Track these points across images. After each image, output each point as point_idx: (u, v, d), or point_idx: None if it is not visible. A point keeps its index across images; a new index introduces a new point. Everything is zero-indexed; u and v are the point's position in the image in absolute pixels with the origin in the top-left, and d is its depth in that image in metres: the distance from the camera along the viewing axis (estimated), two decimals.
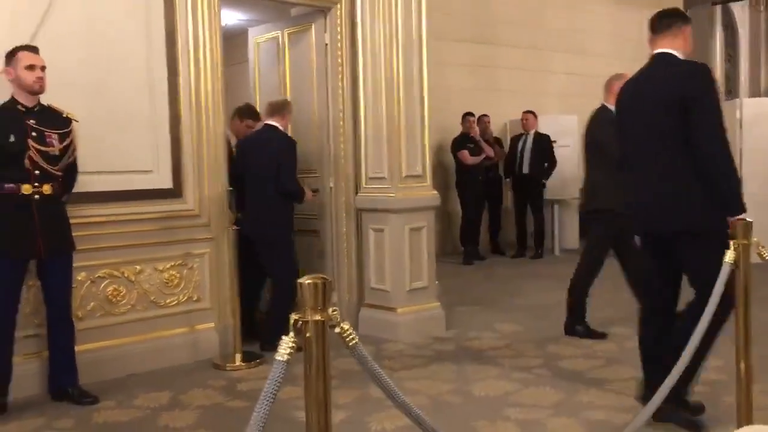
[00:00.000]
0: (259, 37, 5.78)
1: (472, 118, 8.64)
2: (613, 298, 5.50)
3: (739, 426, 2.72)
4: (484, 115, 9.04)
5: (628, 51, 11.45)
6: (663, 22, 3.32)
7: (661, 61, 3.18)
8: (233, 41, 5.84)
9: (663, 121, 2.99)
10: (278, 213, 4.72)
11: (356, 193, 5.18)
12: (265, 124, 4.86)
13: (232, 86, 6.07)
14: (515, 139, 8.95)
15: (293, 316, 1.49)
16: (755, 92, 13.96)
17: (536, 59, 10.27)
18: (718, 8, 12.25)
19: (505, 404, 3.61)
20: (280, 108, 4.83)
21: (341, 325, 1.53)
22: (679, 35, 3.24)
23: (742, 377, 2.73)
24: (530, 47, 10.17)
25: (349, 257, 5.23)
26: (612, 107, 4.29)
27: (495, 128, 9.46)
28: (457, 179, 8.65)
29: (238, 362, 4.41)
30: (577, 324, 4.90)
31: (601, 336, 4.85)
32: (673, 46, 3.21)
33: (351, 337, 1.54)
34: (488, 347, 4.71)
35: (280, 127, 4.81)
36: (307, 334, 1.46)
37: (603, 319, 5.20)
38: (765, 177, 7.75)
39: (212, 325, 4.62)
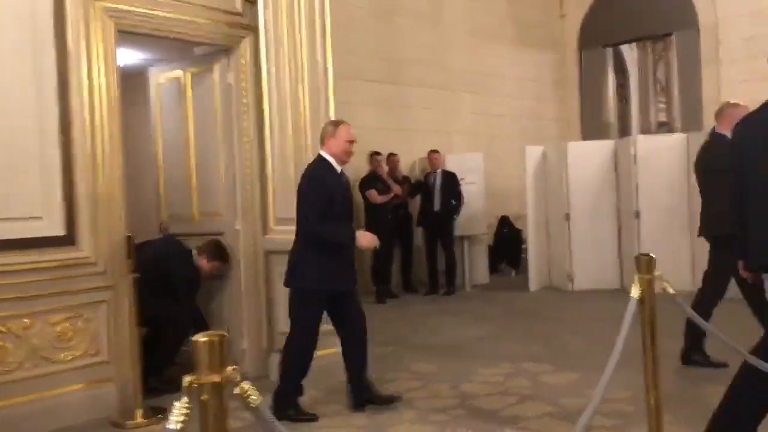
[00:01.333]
0: (160, 77, 5.60)
1: (379, 157, 8.67)
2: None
3: None
4: (392, 154, 9.10)
5: (530, 90, 11.92)
6: None
7: None
8: (133, 81, 5.62)
9: None
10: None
11: (264, 234, 5.03)
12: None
13: (134, 127, 5.84)
14: (427, 177, 9.05)
15: (186, 378, 1.36)
16: (646, 129, 14.74)
17: (443, 99, 10.48)
18: (610, 50, 12.91)
19: None
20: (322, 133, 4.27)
21: (241, 385, 1.41)
22: None
23: (652, 409, 2.75)
24: (438, 87, 10.38)
25: (258, 301, 5.05)
26: (727, 134, 4.46)
27: (404, 167, 9.53)
28: (367, 218, 8.61)
29: (138, 419, 4.14)
30: (694, 354, 4.75)
31: (723, 365, 4.53)
32: None
33: (252, 398, 1.42)
34: (403, 389, 4.62)
35: (325, 156, 4.19)
36: (203, 397, 1.33)
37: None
38: (660, 210, 8.11)
39: (111, 379, 4.33)
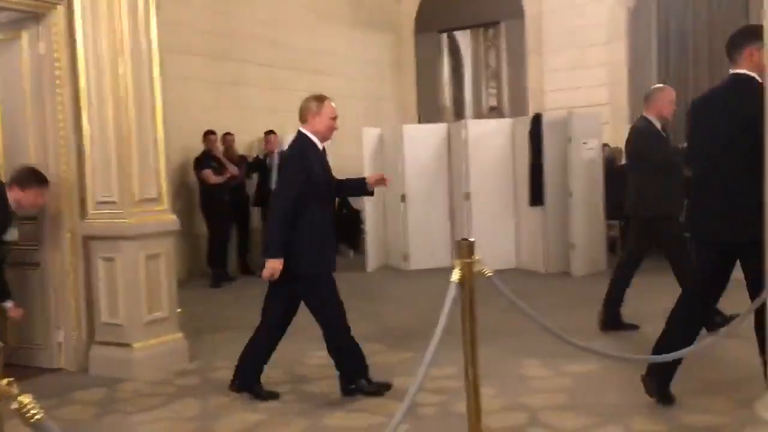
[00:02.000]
0: None
1: (213, 137, 8.38)
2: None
3: (472, 428, 2.84)
4: (228, 133, 8.83)
5: (364, 71, 12.00)
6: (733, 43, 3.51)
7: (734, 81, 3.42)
8: None
9: (737, 137, 3.26)
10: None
11: (82, 219, 4.67)
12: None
13: None
14: (261, 159, 8.87)
15: None
16: (479, 113, 15.41)
17: (281, 78, 10.28)
18: (445, 36, 13.31)
19: None
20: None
21: (19, 399, 1.25)
22: (748, 57, 3.39)
23: (471, 384, 2.85)
24: (275, 66, 10.16)
25: (76, 291, 4.70)
26: (654, 119, 5.00)
27: (242, 146, 9.28)
28: (202, 199, 8.31)
29: None
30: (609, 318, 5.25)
31: (634, 327, 5.26)
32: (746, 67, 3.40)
33: (32, 412, 1.27)
34: (229, 377, 4.50)
35: (306, 134, 4.11)
36: None
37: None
38: (488, 192, 8.51)
39: None
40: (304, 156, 4.00)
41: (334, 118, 4.14)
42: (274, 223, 3.96)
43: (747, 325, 3.30)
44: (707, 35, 10.43)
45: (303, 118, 4.11)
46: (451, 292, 2.52)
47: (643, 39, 10.87)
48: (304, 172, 3.93)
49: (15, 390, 1.23)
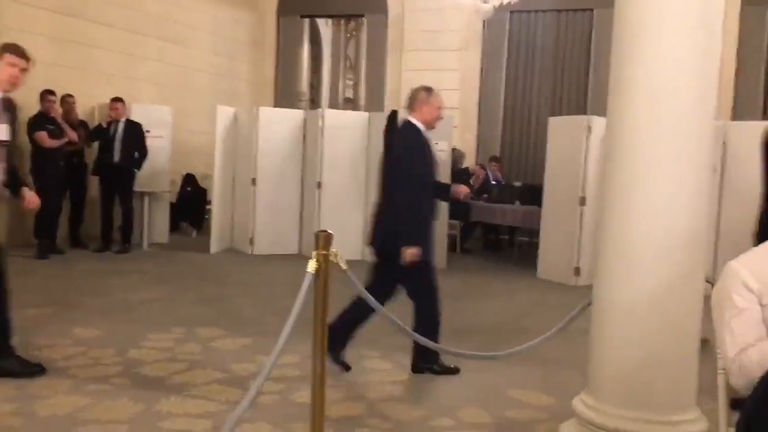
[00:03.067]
0: None
1: (52, 98, 7.78)
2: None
3: (314, 418, 2.86)
4: (69, 95, 8.23)
5: (222, 47, 11.65)
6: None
7: None
8: None
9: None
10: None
11: None
12: None
13: None
14: (108, 126, 8.36)
15: None
16: (334, 102, 15.48)
17: (131, 42, 9.73)
18: (307, 21, 13.21)
19: (75, 423, 3.24)
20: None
21: None
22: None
23: (317, 374, 2.87)
24: (125, 29, 9.60)
25: None
26: (419, 125, 4.17)
27: (82, 111, 8.68)
28: (34, 163, 7.69)
29: None
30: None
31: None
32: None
33: None
34: (60, 356, 4.22)
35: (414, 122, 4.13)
36: None
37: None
38: (340, 182, 8.57)
39: None
40: (421, 145, 4.08)
41: (441, 109, 4.22)
42: (405, 212, 3.98)
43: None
44: (553, 51, 11.17)
45: (411, 107, 4.16)
46: (307, 283, 2.52)
47: (495, 49, 11.42)
48: (424, 161, 4.06)
49: None
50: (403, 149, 4.11)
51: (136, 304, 5.78)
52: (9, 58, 3.82)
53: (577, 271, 7.64)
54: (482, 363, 4.40)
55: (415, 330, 4.03)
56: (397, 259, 3.99)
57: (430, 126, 4.19)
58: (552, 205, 7.99)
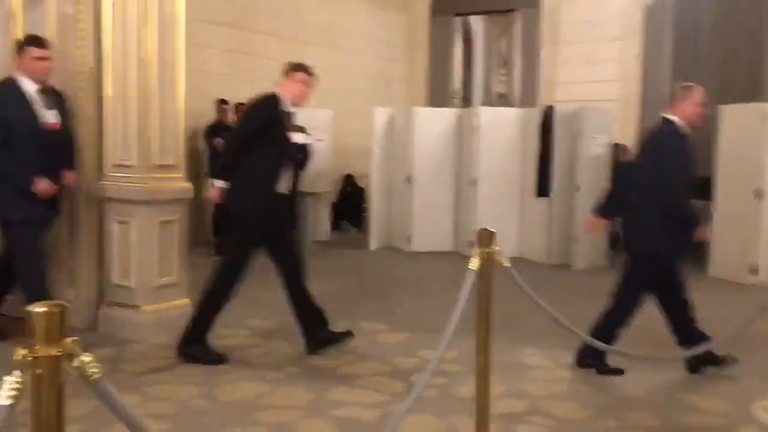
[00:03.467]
0: None
1: (226, 106, 8.40)
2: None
3: (480, 412, 2.93)
4: (241, 104, 8.81)
5: (381, 50, 11.99)
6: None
7: None
8: None
9: None
10: None
11: (99, 180, 4.71)
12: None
13: None
14: None
15: (20, 351, 1.25)
16: (487, 99, 15.40)
17: (294, 51, 10.26)
18: (459, 19, 13.26)
19: (255, 407, 3.53)
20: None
21: (81, 357, 1.32)
22: None
23: (481, 369, 2.94)
24: (289, 38, 10.15)
25: (89, 251, 4.76)
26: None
27: None
28: (212, 168, 8.34)
29: None
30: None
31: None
32: None
33: (93, 371, 1.33)
34: (239, 345, 4.59)
35: (673, 120, 4.09)
36: (38, 371, 1.23)
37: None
38: (495, 179, 8.55)
39: None
40: (686, 147, 4.02)
41: (701, 105, 4.02)
42: (686, 213, 4.02)
43: None
44: (722, 35, 10.44)
45: (670, 104, 4.08)
46: (469, 280, 2.59)
47: (658, 36, 10.86)
48: (688, 164, 4.03)
49: (77, 349, 1.29)
50: (663, 148, 4.03)
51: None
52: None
53: (754, 269, 7.12)
54: (652, 365, 4.24)
55: (599, 326, 4.01)
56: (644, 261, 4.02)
57: (691, 123, 4.02)
58: (725, 199, 7.50)
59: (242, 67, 9.47)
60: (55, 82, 4.70)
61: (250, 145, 4.13)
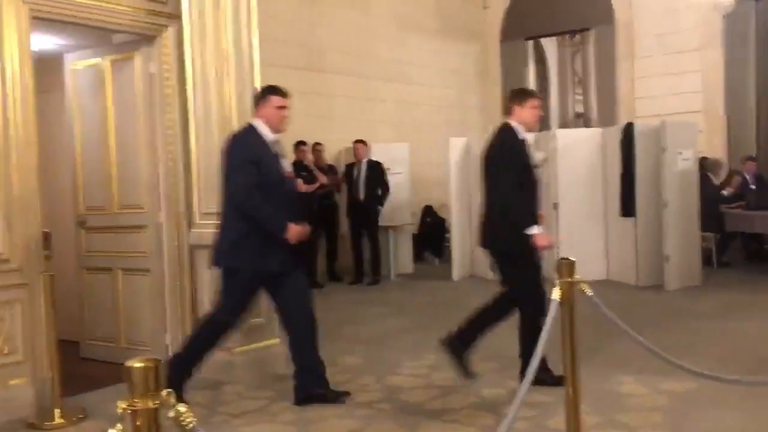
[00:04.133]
0: (77, 64, 5.38)
1: (304, 147, 8.64)
2: None
3: None
4: (318, 143, 9.08)
5: (449, 80, 12.07)
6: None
7: None
8: (46, 66, 5.38)
9: None
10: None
11: (189, 229, 4.93)
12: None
13: (47, 115, 5.60)
14: (349, 167, 9.06)
15: (121, 405, 1.34)
16: (564, 120, 15.18)
17: (367, 88, 10.49)
18: (530, 43, 13.21)
19: None
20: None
21: (177, 408, 1.40)
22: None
23: (570, 400, 2.88)
24: (360, 76, 10.38)
25: (182, 296, 4.97)
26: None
27: (330, 155, 9.52)
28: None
29: (57, 419, 4.02)
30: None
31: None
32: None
33: (188, 420, 1.41)
34: (331, 383, 4.64)
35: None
36: (138, 423, 1.32)
37: None
38: (578, 200, 8.39)
39: (26, 379, 4.18)
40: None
41: None
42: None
43: None
44: None
45: None
46: (552, 311, 2.56)
47: (740, 45, 10.48)
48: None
49: (173, 400, 1.37)
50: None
51: (390, 332, 6.16)
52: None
53: None
54: (755, 391, 4.03)
55: None
56: None
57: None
58: None
59: (317, 107, 9.73)
60: (145, 137, 4.99)
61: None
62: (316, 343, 4.30)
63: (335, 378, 4.75)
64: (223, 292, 4.16)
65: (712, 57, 10.62)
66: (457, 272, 9.03)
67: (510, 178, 4.24)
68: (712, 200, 8.79)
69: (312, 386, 4.21)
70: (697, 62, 10.67)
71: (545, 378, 4.00)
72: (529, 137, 4.56)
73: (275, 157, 4.17)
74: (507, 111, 4.58)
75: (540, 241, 4.25)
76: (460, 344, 4.45)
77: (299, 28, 9.56)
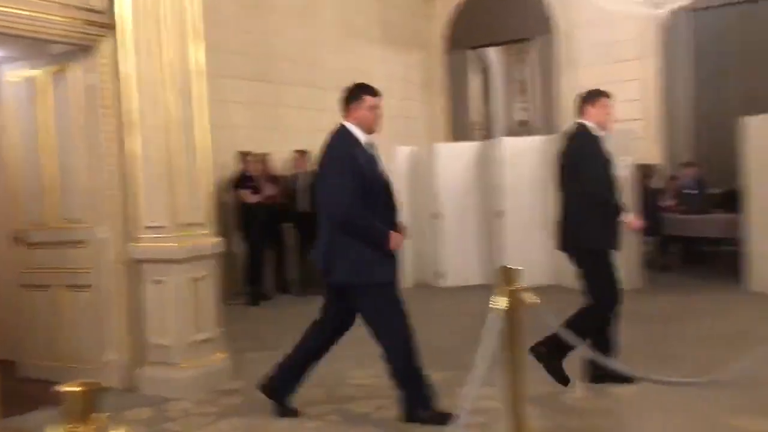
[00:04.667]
0: (13, 75, 5.22)
1: (250, 158, 8.55)
2: None
3: None
4: (264, 154, 9.00)
5: (395, 89, 12.11)
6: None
7: None
8: None
9: None
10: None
11: (130, 243, 4.83)
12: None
13: None
14: (291, 179, 8.98)
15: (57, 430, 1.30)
16: (508, 127, 15.42)
17: (316, 97, 10.45)
18: (475, 52, 13.39)
19: None
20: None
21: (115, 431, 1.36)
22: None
23: (514, 406, 2.93)
24: (308, 85, 10.34)
25: (124, 312, 4.85)
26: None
27: (280, 166, 9.44)
28: (240, 219, 8.49)
29: None
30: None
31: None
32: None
33: None
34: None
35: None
36: None
37: None
38: (524, 207, 8.53)
39: None
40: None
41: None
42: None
43: None
44: (744, 46, 10.38)
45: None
46: (496, 320, 2.59)
47: (677, 54, 10.83)
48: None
49: (108, 424, 1.34)
50: None
51: (341, 341, 6.12)
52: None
53: None
54: (694, 390, 4.16)
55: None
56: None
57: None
58: (758, 211, 7.39)
59: (263, 117, 9.66)
60: (84, 150, 4.87)
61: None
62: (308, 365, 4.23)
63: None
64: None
65: (650, 66, 10.95)
66: (405, 280, 9.03)
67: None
68: (651, 205, 9.04)
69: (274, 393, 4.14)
70: (636, 71, 10.98)
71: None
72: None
73: (375, 162, 3.98)
74: (580, 111, 4.63)
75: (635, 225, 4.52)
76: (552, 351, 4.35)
77: (248, 37, 9.48)
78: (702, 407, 3.96)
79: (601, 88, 4.58)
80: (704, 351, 5.25)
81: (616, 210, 4.42)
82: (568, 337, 3.81)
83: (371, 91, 4.02)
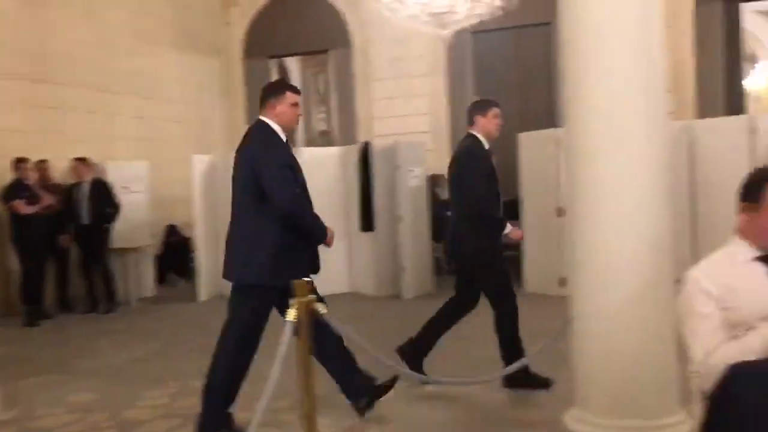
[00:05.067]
0: None
1: (25, 164, 7.79)
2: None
3: None
4: (42, 161, 8.27)
5: (192, 96, 11.75)
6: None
7: None
8: None
9: None
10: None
11: None
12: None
13: None
14: (70, 189, 8.34)
15: None
16: (310, 137, 15.61)
17: (103, 101, 9.80)
18: (275, 61, 13.37)
19: None
20: None
21: None
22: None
23: (306, 417, 2.95)
24: (96, 89, 9.66)
25: None
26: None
27: (60, 174, 8.71)
28: (14, 232, 7.71)
29: None
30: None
31: None
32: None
33: None
34: (58, 425, 4.23)
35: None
36: None
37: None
38: (322, 216, 8.59)
39: None
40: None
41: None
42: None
43: None
44: (517, 67, 11.37)
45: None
46: (288, 332, 2.59)
47: (462, 72, 11.59)
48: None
49: None
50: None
51: (129, 362, 5.79)
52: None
53: (562, 281, 7.72)
54: (476, 387, 4.44)
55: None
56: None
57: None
58: (532, 218, 8.11)
59: (43, 121, 8.88)
60: None
61: None
62: None
63: (62, 419, 4.34)
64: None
65: (439, 82, 11.61)
66: (204, 292, 8.78)
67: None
68: (440, 212, 9.58)
69: None
70: (425, 86, 11.59)
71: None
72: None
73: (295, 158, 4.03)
74: (470, 121, 4.66)
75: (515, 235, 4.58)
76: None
77: (24, 34, 8.66)
78: (491, 400, 4.24)
79: (490, 98, 4.71)
80: (486, 349, 5.64)
81: (498, 224, 4.54)
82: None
83: (293, 88, 4.01)
